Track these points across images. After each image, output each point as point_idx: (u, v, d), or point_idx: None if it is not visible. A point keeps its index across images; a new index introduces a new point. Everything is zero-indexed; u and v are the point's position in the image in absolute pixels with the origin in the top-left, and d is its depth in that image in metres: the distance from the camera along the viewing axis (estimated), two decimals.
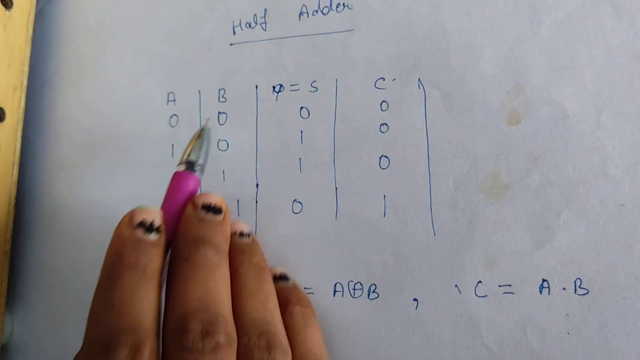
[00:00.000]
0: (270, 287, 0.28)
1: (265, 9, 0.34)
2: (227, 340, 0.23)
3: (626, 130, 0.27)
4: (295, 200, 0.32)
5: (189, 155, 0.29)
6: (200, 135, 0.30)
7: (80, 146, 0.36)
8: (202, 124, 0.33)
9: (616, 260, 0.27)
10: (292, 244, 0.31)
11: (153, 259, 0.24)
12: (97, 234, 0.35)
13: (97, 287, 0.24)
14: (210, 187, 0.33)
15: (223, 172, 0.33)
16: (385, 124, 0.31)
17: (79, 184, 0.36)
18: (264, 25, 0.34)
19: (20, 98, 0.36)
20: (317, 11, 0.33)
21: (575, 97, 0.28)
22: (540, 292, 0.27)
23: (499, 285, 0.28)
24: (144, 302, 0.23)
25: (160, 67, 0.35)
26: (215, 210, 0.27)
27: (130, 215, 0.25)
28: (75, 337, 0.34)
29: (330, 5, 0.33)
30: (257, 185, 0.32)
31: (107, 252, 0.24)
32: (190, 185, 0.28)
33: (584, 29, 0.29)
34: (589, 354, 0.26)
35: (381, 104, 0.31)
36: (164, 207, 0.28)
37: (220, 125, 0.34)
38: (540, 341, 0.27)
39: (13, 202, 0.35)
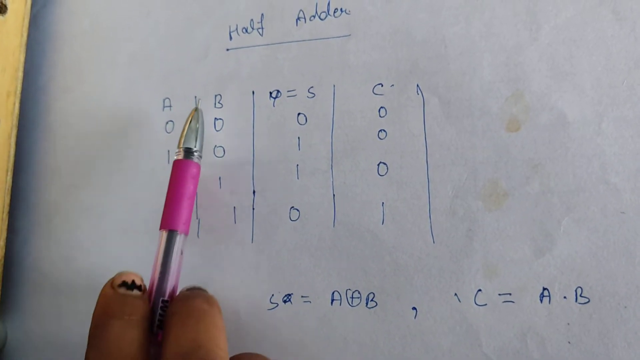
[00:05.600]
0: None
1: (262, 14, 0.34)
2: None
3: (627, 137, 0.27)
4: (292, 207, 0.31)
5: (184, 141, 0.30)
6: (192, 120, 0.31)
7: (75, 152, 0.36)
8: (194, 106, 0.33)
9: (617, 269, 0.26)
10: (289, 252, 0.31)
11: (137, 308, 0.26)
12: (91, 241, 0.34)
13: (88, 340, 0.25)
14: (207, 194, 0.33)
15: (219, 178, 0.33)
16: (384, 130, 0.30)
17: (73, 190, 0.35)
18: (260, 31, 0.34)
19: (14, 104, 0.36)
20: (314, 16, 0.33)
21: (575, 104, 0.28)
22: (541, 300, 0.27)
23: (499, 294, 0.28)
24: (132, 345, 0.25)
25: (156, 73, 0.35)
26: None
27: (112, 279, 0.27)
28: (69, 344, 0.34)
29: (328, 11, 0.32)
30: (253, 192, 0.32)
31: (94, 311, 0.26)
32: (192, 171, 0.30)
33: (584, 34, 0.28)
34: None
35: (379, 110, 0.31)
36: (170, 197, 0.30)
37: (217, 131, 0.33)
38: (540, 350, 0.27)
39: (7, 208, 0.35)
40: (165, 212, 0.30)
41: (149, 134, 0.34)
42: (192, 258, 0.32)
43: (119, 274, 0.27)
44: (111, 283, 0.27)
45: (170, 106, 0.34)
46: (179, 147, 0.31)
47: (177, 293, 0.29)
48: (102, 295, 0.27)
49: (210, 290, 0.31)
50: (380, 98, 0.31)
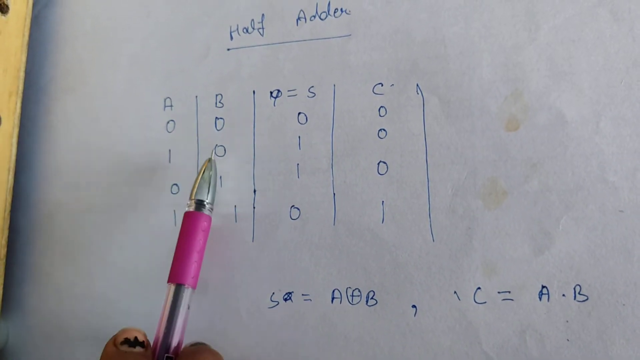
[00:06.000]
0: None
1: (263, 14, 0.34)
2: None
3: (625, 136, 0.27)
4: (293, 206, 0.31)
5: (196, 193, 0.30)
6: (205, 171, 0.31)
7: (76, 152, 0.36)
8: (208, 157, 0.32)
9: (615, 267, 0.27)
10: (290, 250, 0.31)
11: None
12: (92, 240, 0.34)
13: None
14: None
15: (220, 177, 0.33)
16: (384, 130, 0.31)
17: (74, 189, 0.35)
18: (261, 31, 0.34)
19: (16, 103, 0.36)
20: (314, 16, 0.33)
21: (573, 103, 0.28)
22: (540, 298, 0.27)
23: (498, 292, 0.28)
24: None
25: (157, 73, 0.35)
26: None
27: (114, 337, 0.26)
28: (70, 343, 0.34)
29: (328, 11, 0.33)
30: (254, 191, 0.32)
31: None
32: (203, 225, 0.30)
33: (583, 34, 0.29)
34: None
35: (379, 110, 0.31)
36: (179, 250, 0.29)
37: (218, 130, 0.33)
38: (539, 348, 0.27)
39: (8, 208, 0.35)
40: (174, 265, 0.29)
41: (150, 134, 0.35)
42: None
43: (122, 331, 0.27)
44: (114, 341, 0.26)
45: (171, 106, 0.35)
46: (191, 198, 0.31)
47: (182, 348, 0.28)
48: (105, 354, 0.26)
49: (211, 289, 0.32)
50: (380, 98, 0.31)
